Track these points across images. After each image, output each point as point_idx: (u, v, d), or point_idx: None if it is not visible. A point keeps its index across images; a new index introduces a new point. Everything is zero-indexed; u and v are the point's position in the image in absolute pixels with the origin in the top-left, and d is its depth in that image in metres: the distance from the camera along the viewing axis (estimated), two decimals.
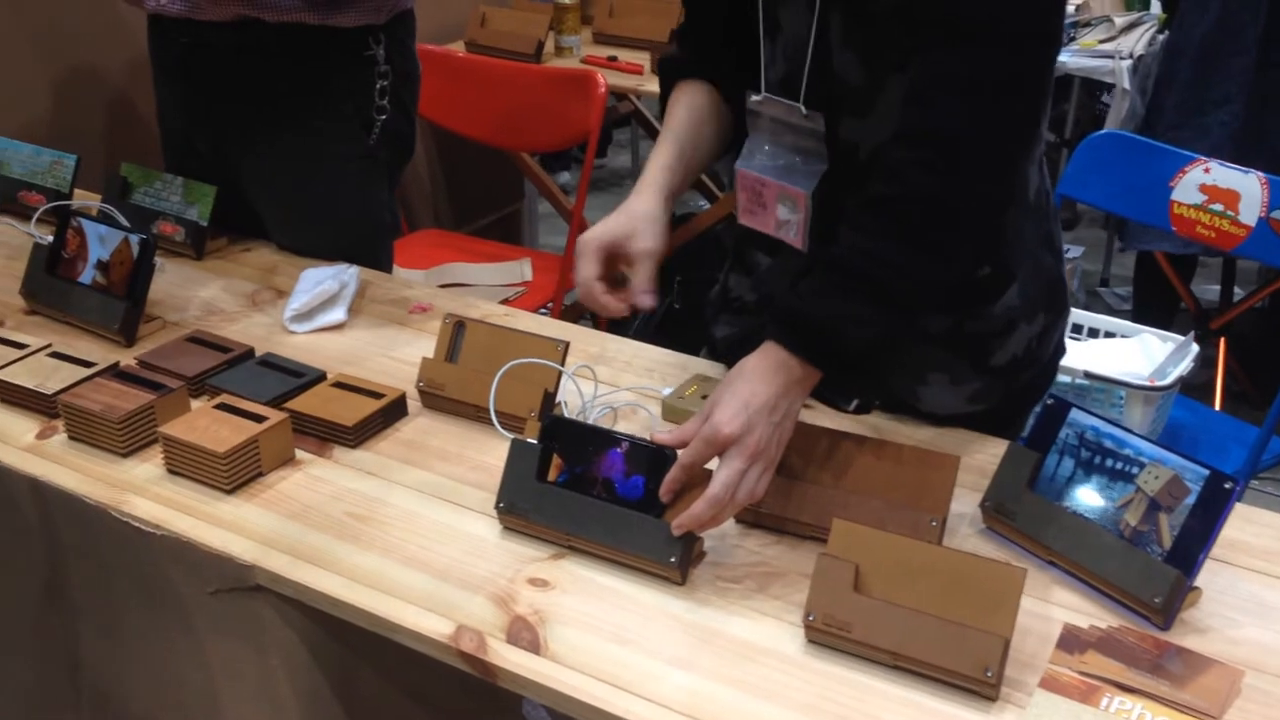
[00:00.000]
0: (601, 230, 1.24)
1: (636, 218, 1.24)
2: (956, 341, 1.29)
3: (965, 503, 1.18)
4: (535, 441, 1.16)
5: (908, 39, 1.12)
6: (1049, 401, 1.14)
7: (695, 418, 1.11)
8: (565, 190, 3.72)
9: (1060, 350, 1.41)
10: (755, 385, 1.09)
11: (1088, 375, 1.90)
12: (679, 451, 1.10)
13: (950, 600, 0.98)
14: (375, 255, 1.83)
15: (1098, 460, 1.10)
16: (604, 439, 1.14)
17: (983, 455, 1.27)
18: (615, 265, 1.25)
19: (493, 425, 1.32)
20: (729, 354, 1.45)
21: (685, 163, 1.30)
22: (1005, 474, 1.15)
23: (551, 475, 1.15)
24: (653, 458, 1.12)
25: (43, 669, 1.38)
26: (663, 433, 1.13)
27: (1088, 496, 1.10)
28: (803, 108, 1.21)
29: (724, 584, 1.10)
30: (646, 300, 1.22)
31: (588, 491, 1.13)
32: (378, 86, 1.76)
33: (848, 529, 1.03)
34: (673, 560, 1.08)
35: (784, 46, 1.23)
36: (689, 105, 1.33)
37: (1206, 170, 2.03)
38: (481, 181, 3.38)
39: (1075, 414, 1.12)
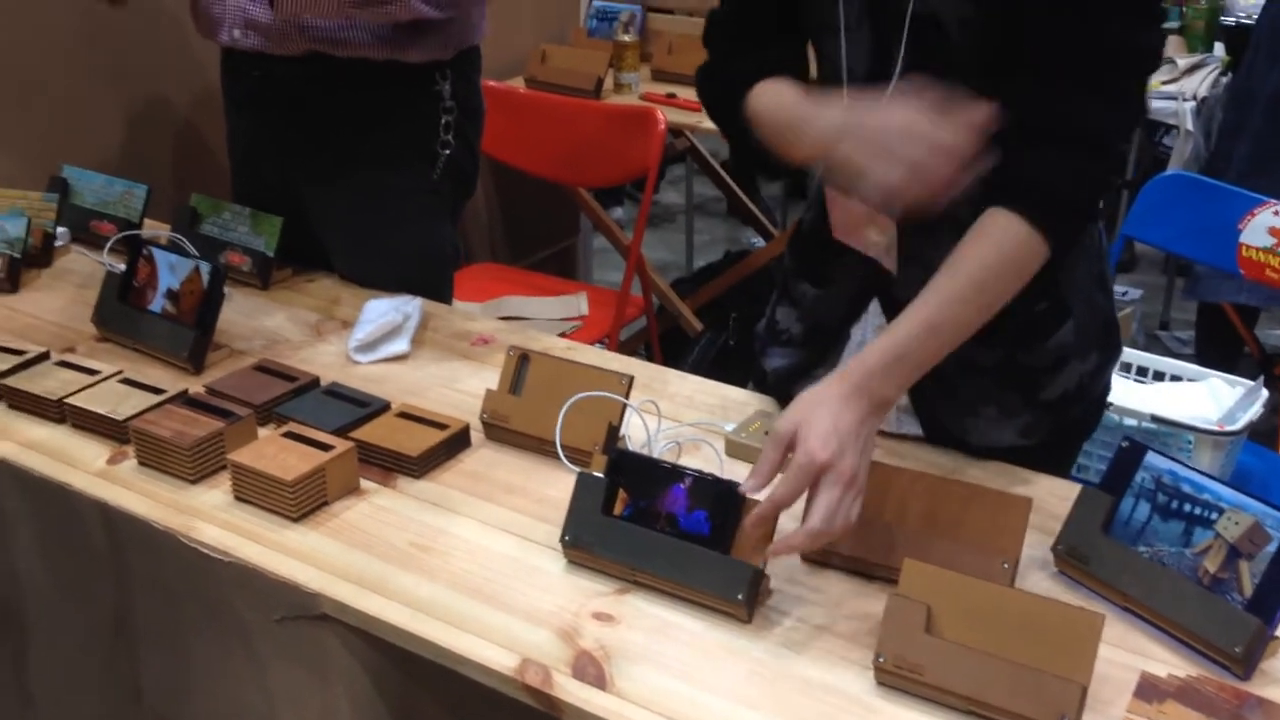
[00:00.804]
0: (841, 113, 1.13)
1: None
2: (1008, 374, 1.29)
3: (1032, 545, 1.16)
4: (601, 475, 1.16)
5: (979, 76, 1.12)
6: (1124, 444, 1.12)
7: (768, 453, 1.10)
8: (619, 225, 3.74)
9: (1108, 388, 1.40)
10: (839, 409, 1.08)
11: (1155, 419, 1.86)
12: (772, 486, 1.08)
13: (1025, 645, 0.96)
14: (437, 287, 1.84)
15: (1175, 505, 1.08)
16: (669, 474, 1.14)
17: (1038, 492, 1.25)
18: None
19: (555, 458, 1.32)
20: (779, 387, 1.45)
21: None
22: (1079, 517, 1.13)
23: (617, 509, 1.15)
24: (719, 493, 1.11)
25: (107, 693, 1.39)
26: (748, 482, 1.10)
27: (1165, 542, 1.08)
28: None
29: (792, 622, 1.09)
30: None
31: (652, 526, 1.13)
32: (443, 121, 1.78)
33: (919, 569, 1.01)
34: (739, 597, 1.07)
35: (830, 80, 1.23)
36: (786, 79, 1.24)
37: (1276, 213, 2.00)
38: (537, 216, 3.40)
39: (1151, 457, 1.10)
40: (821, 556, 1.15)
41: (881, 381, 1.11)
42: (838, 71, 1.23)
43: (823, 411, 1.08)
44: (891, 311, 1.29)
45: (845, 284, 1.34)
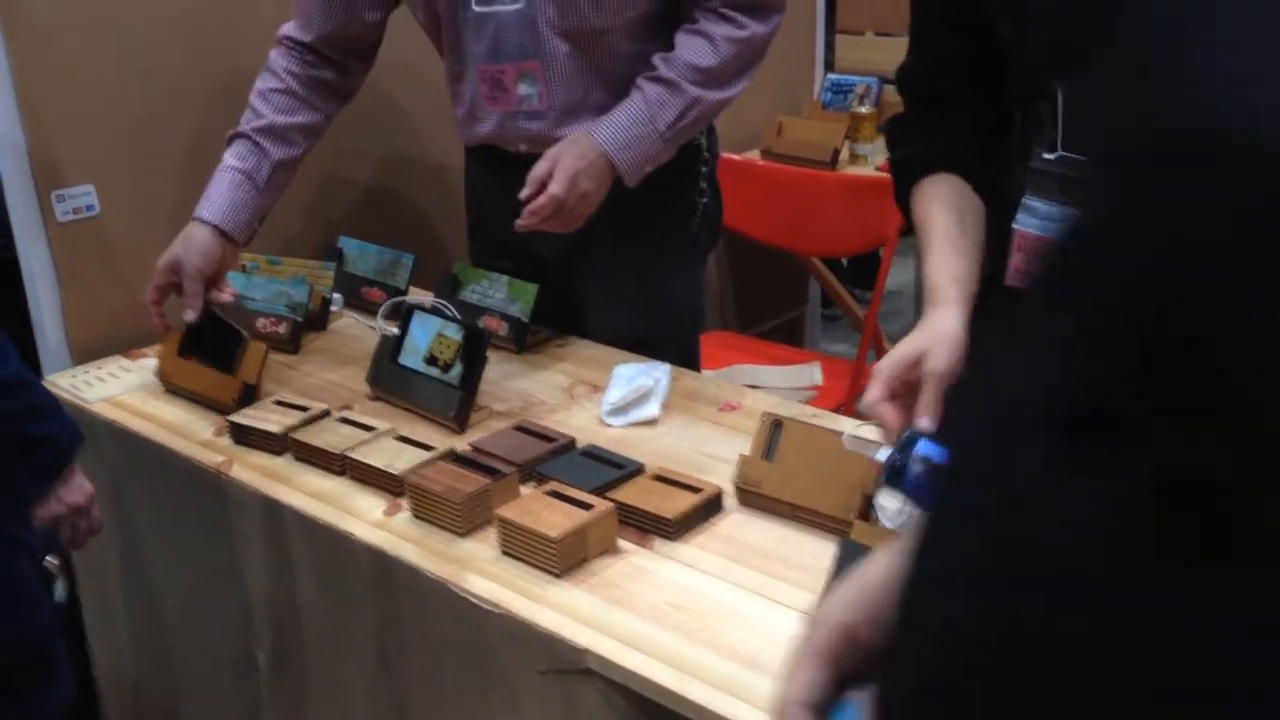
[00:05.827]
0: (898, 353, 1.18)
1: (935, 337, 1.17)
2: None
3: None
4: (863, 543, 1.15)
5: None
6: None
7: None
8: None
9: None
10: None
11: None
12: None
13: None
14: (690, 340, 1.88)
15: None
16: None
17: None
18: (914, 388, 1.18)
19: (809, 524, 1.32)
20: None
21: (973, 268, 1.24)
22: None
23: None
24: None
25: None
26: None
27: None
28: None
29: None
30: (924, 424, 1.15)
31: None
32: (702, 171, 1.83)
33: None
34: None
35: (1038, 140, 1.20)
36: (951, 205, 1.28)
37: None
38: (765, 286, 3.42)
39: None
40: None
41: None
42: (1052, 133, 1.18)
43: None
44: None
45: None
